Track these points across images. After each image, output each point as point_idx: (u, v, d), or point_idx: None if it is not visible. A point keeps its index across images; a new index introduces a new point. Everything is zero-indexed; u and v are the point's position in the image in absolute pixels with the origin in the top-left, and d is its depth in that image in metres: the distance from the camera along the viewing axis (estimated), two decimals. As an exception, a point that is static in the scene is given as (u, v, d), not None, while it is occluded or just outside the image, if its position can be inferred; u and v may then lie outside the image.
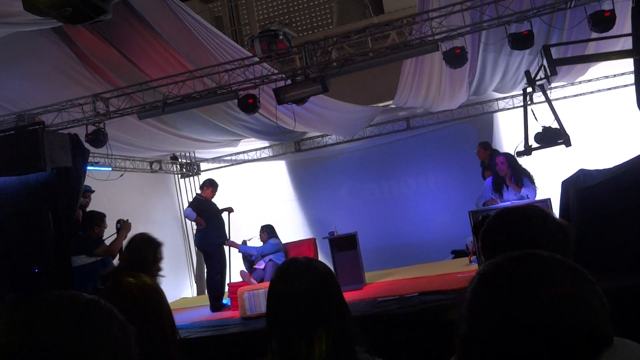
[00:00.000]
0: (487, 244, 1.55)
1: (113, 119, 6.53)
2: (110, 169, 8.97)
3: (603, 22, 5.29)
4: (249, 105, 6.07)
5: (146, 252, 3.74)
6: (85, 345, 0.88)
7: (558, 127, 5.46)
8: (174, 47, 6.17)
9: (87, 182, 7.04)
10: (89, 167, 8.14)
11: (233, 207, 8.66)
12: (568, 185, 6.50)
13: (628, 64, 7.37)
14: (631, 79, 6.67)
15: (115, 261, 5.88)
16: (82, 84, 6.56)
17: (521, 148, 5.77)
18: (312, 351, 1.74)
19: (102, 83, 6.60)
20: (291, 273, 1.84)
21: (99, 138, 6.39)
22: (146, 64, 6.43)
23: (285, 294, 1.82)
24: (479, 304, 0.94)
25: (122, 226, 5.75)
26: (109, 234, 6.11)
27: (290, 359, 1.75)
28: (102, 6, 2.81)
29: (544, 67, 5.15)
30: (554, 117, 5.50)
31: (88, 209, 6.75)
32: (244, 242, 8.01)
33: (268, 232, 7.94)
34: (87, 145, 6.57)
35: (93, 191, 6.83)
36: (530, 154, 5.76)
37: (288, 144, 10.88)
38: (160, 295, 2.02)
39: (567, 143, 5.40)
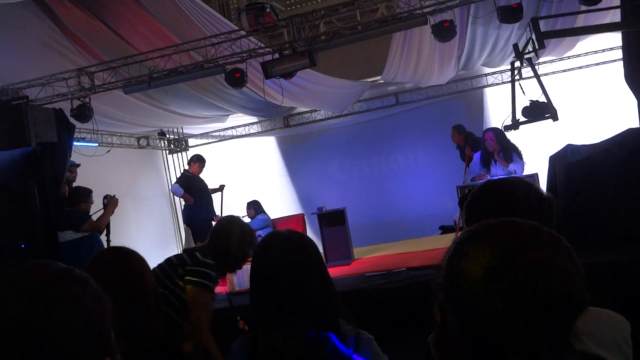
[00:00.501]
0: (471, 216, 1.54)
1: (98, 93, 6.44)
2: (97, 144, 8.88)
3: (592, -6, 5.25)
4: (236, 79, 6.01)
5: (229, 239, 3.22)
6: (55, 313, 0.86)
7: (545, 102, 5.45)
8: (160, 20, 6.07)
9: (74, 157, 6.97)
10: (75, 143, 8.05)
11: (225, 185, 8.64)
12: (555, 161, 6.52)
13: (616, 38, 7.35)
14: (619, 54, 6.65)
15: (103, 237, 5.86)
16: (66, 58, 6.44)
17: (509, 122, 5.77)
18: (297, 324, 1.74)
19: (86, 57, 6.49)
20: (273, 247, 1.84)
21: (84, 113, 6.31)
22: (132, 37, 6.32)
23: (267, 267, 1.81)
24: (456, 271, 0.93)
25: (109, 202, 5.72)
26: (96, 209, 6.07)
27: (274, 332, 1.75)
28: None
29: (532, 40, 5.12)
30: (541, 91, 5.49)
31: (75, 184, 6.70)
32: None
33: (255, 207, 7.95)
34: (72, 120, 6.49)
35: (78, 165, 6.77)
36: (518, 128, 5.76)
37: (277, 120, 10.81)
38: (143, 266, 2.01)
39: (554, 117, 5.40)
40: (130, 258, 2.04)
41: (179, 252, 3.38)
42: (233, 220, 3.38)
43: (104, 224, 5.63)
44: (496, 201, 1.50)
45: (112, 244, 6.19)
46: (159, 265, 3.17)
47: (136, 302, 1.88)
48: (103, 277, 1.87)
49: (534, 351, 0.84)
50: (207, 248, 3.21)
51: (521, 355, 0.84)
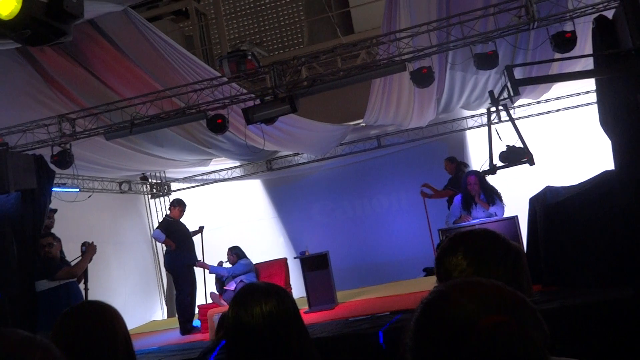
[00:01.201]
0: (439, 267, 1.55)
1: (80, 139, 6.44)
2: (78, 189, 8.82)
3: (565, 42, 5.42)
4: (218, 125, 6.05)
5: None
6: None
7: (522, 146, 5.55)
8: (142, 67, 6.13)
9: (54, 203, 6.91)
10: (55, 189, 8.00)
11: (204, 226, 8.58)
12: (535, 202, 6.60)
13: (591, 82, 7.54)
14: (594, 97, 6.82)
15: (81, 285, 5.76)
16: (47, 105, 6.46)
17: (486, 167, 5.85)
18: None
19: (67, 104, 6.51)
20: (249, 299, 1.82)
21: (64, 159, 6.29)
22: (114, 84, 6.37)
23: (243, 320, 1.79)
24: (422, 334, 0.93)
25: (87, 249, 5.64)
26: (74, 256, 5.98)
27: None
28: (63, 28, 2.77)
29: (507, 87, 5.25)
30: (517, 136, 5.60)
31: (53, 230, 6.61)
32: (220, 264, 7.92)
33: (237, 253, 7.88)
34: (52, 167, 6.45)
35: (55, 210, 6.69)
36: (495, 173, 5.84)
37: (259, 163, 10.85)
38: (114, 318, 1.98)
39: (531, 162, 5.49)
40: (101, 311, 2.01)
41: None
42: None
43: (80, 271, 5.53)
44: (464, 252, 1.51)
45: (92, 290, 6.10)
46: None
47: (106, 356, 1.85)
48: (73, 332, 1.85)
49: None
50: None
51: None
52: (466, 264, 1.46)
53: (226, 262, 7.97)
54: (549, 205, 6.23)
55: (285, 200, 10.88)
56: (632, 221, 5.18)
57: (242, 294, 1.86)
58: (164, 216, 8.16)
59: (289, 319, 1.78)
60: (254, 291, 1.84)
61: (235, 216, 10.81)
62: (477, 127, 9.84)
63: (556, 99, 9.41)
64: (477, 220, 6.18)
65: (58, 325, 1.86)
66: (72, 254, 6.15)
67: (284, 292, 1.86)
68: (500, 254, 1.49)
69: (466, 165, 8.23)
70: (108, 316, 1.95)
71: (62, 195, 8.10)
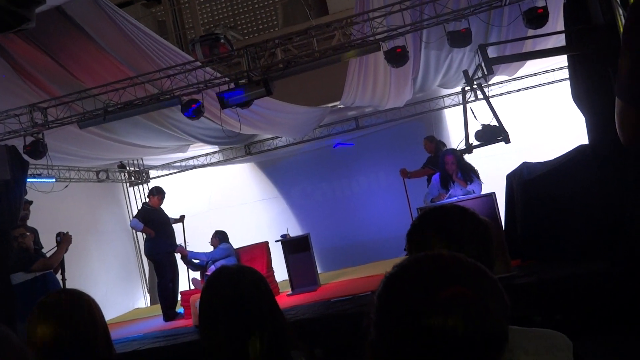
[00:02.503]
0: (412, 244, 1.56)
1: (52, 129, 6.33)
2: (54, 180, 8.70)
3: (537, 18, 5.44)
4: (193, 110, 5.99)
5: None
6: None
7: (497, 125, 5.59)
8: (113, 55, 6.03)
9: (30, 195, 6.80)
10: (30, 180, 7.87)
11: (185, 215, 8.54)
12: (512, 179, 6.67)
13: (566, 58, 7.59)
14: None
15: (58, 276, 5.70)
16: (17, 95, 6.33)
17: (463, 146, 5.89)
18: (246, 357, 1.72)
19: (39, 93, 6.39)
20: (221, 281, 1.82)
21: (37, 149, 6.19)
22: (85, 73, 6.25)
23: (216, 302, 1.79)
24: (384, 307, 0.94)
25: (63, 239, 5.57)
26: (49, 247, 5.91)
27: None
28: (24, 14, 2.70)
29: (481, 66, 5.26)
30: (492, 115, 5.63)
31: (29, 222, 6.52)
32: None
33: (220, 237, 7.87)
34: (25, 157, 6.35)
35: (31, 202, 6.59)
36: (472, 152, 5.88)
37: (238, 148, 10.79)
38: (92, 307, 1.96)
39: (506, 140, 5.54)
40: (78, 300, 1.99)
41: None
42: None
43: (56, 262, 5.47)
44: (434, 228, 1.52)
45: (72, 280, 6.03)
46: None
47: (86, 344, 1.84)
48: (51, 321, 1.83)
49: None
50: None
51: None
52: (436, 240, 1.47)
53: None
54: (525, 181, 6.30)
55: (265, 184, 10.85)
56: (606, 194, 5.27)
57: (213, 278, 1.85)
58: (142, 204, 8.07)
59: (261, 300, 1.78)
60: (225, 274, 1.84)
61: (216, 202, 10.77)
62: (454, 105, 9.87)
63: (531, 75, 9.47)
64: (455, 198, 6.23)
65: (35, 315, 1.84)
66: (50, 245, 6.08)
67: (256, 275, 1.86)
68: (469, 228, 1.50)
69: (444, 144, 8.26)
70: (85, 304, 1.93)
71: (38, 186, 7.98)
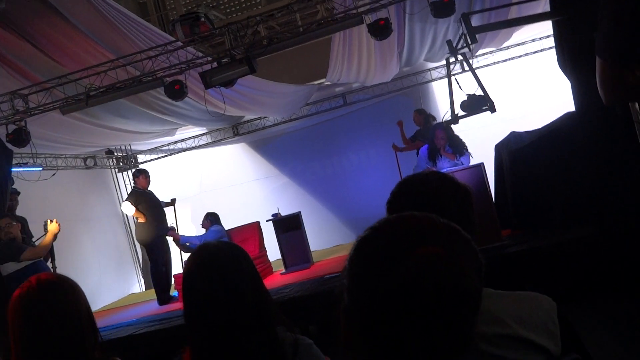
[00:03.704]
0: (391, 213, 1.53)
1: (34, 116, 6.24)
2: (40, 168, 8.60)
3: (520, -16, 5.38)
4: (176, 91, 5.92)
5: None
6: None
7: (482, 94, 5.56)
8: (92, 38, 5.92)
9: (17, 184, 6.73)
10: (17, 169, 7.79)
11: (175, 198, 8.49)
12: (501, 149, 6.66)
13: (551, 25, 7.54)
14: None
15: (48, 264, 5.67)
16: (-3, 81, 6.23)
17: (448, 117, 5.86)
18: (232, 335, 1.70)
19: (19, 79, 6.28)
20: (203, 259, 1.80)
21: (20, 137, 6.11)
22: (65, 56, 6.14)
23: (198, 280, 1.77)
24: (356, 270, 0.92)
25: (49, 227, 5.52)
26: (38, 236, 5.86)
27: (210, 346, 1.71)
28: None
29: (465, 35, 5.21)
30: (477, 85, 5.59)
31: (18, 212, 6.47)
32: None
33: (211, 219, 7.85)
34: (9, 146, 6.27)
35: (18, 193, 6.52)
36: (457, 123, 5.86)
37: (226, 130, 10.72)
38: (76, 292, 1.94)
39: (492, 109, 5.51)
40: (61, 285, 1.96)
41: None
42: None
43: (45, 250, 5.43)
44: (413, 194, 1.50)
45: (64, 268, 6.00)
46: None
47: (69, 330, 1.81)
48: (33, 306, 1.81)
49: (433, 346, 0.83)
50: None
51: (420, 351, 0.82)
52: (415, 206, 1.44)
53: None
54: (513, 150, 6.30)
55: (256, 164, 10.81)
56: (593, 160, 5.27)
57: (195, 255, 1.83)
58: (132, 188, 8.00)
59: (243, 276, 1.76)
60: (207, 252, 1.82)
61: (207, 184, 10.73)
62: (441, 78, 9.82)
63: (517, 45, 9.43)
64: (444, 170, 6.23)
65: (17, 301, 1.82)
66: (40, 234, 6.03)
67: (236, 250, 1.84)
68: (449, 193, 1.48)
69: (434, 118, 8.23)
70: (68, 288, 1.91)
71: (25, 175, 7.90)
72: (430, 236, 0.89)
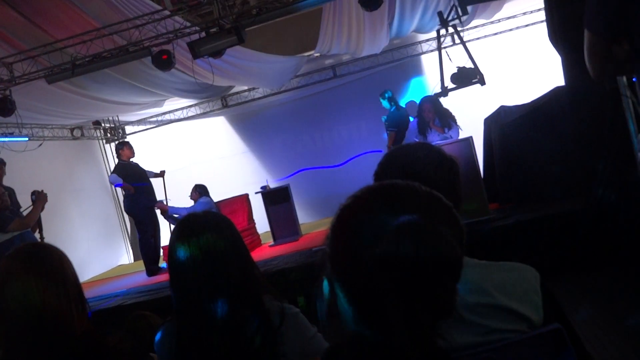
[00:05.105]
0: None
1: (19, 85, 6.14)
2: (27, 138, 8.52)
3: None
4: (164, 61, 5.84)
5: None
6: None
7: (472, 67, 5.53)
8: (78, 5, 5.80)
9: (3, 154, 6.65)
10: (2, 139, 7.71)
11: (165, 170, 8.44)
12: (490, 122, 6.67)
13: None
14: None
15: (36, 235, 5.64)
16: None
17: (438, 90, 5.84)
18: (216, 304, 1.71)
19: (2, 47, 6.16)
20: (188, 229, 1.79)
21: (6, 106, 6.03)
22: (49, 25, 6.01)
23: (182, 250, 1.77)
24: (337, 238, 0.92)
25: (37, 197, 5.48)
26: (25, 206, 5.82)
27: (194, 313, 1.72)
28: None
29: (456, 7, 5.16)
30: (467, 57, 5.57)
31: (4, 183, 6.40)
32: None
33: (200, 191, 7.83)
34: (-6, 116, 6.19)
35: (4, 163, 6.46)
36: (447, 95, 5.85)
37: (215, 101, 10.63)
38: (62, 260, 1.92)
39: (482, 82, 5.50)
40: (48, 254, 1.94)
41: None
42: None
43: (32, 221, 5.40)
44: (400, 164, 1.50)
45: (53, 239, 5.96)
46: None
47: (56, 300, 1.80)
48: (19, 274, 1.79)
49: (414, 314, 0.83)
50: None
51: (402, 319, 0.83)
52: (402, 176, 1.44)
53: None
54: (503, 124, 6.31)
55: (245, 136, 10.76)
56: (582, 134, 5.29)
57: (180, 225, 1.82)
58: (117, 161, 7.94)
59: (227, 245, 1.76)
60: (191, 222, 1.81)
61: (196, 156, 10.69)
62: (432, 51, 9.78)
63: (508, 18, 9.37)
64: (433, 144, 6.23)
65: (2, 270, 1.79)
66: (26, 205, 5.99)
67: (224, 223, 1.84)
68: (435, 163, 1.48)
69: (395, 100, 8.18)
70: (54, 255, 1.89)
71: (11, 146, 7.83)
72: (411, 204, 0.89)
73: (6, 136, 7.97)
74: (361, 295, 0.86)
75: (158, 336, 1.86)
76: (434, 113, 6.49)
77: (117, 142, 8.06)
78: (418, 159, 1.49)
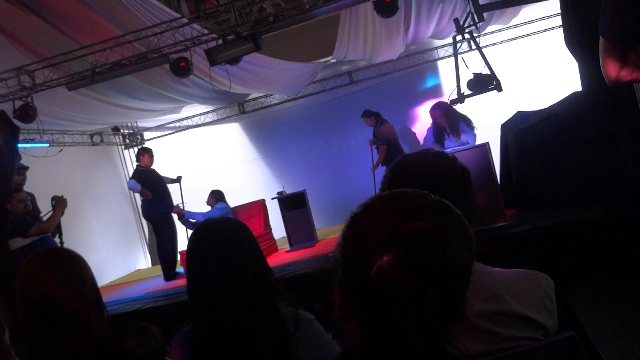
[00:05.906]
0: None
1: (41, 92, 6.25)
2: (47, 144, 8.66)
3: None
4: (182, 68, 5.90)
5: None
6: None
7: (489, 73, 5.51)
8: (98, 12, 5.89)
9: (24, 160, 6.76)
10: (24, 145, 7.83)
11: (181, 176, 8.52)
12: (507, 128, 6.63)
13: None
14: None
15: (55, 239, 5.72)
16: (4, 57, 6.22)
17: (455, 96, 5.83)
18: (232, 310, 1.73)
19: (25, 54, 6.27)
20: (204, 234, 1.82)
21: (27, 113, 6.13)
22: (72, 30, 6.11)
23: (199, 255, 1.80)
24: (348, 245, 0.94)
25: (57, 202, 5.57)
26: (46, 212, 5.92)
27: (211, 320, 1.74)
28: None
29: (472, 13, 5.15)
30: (484, 63, 5.54)
31: (25, 188, 6.51)
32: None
33: (216, 196, 7.89)
34: (16, 122, 6.29)
35: (27, 168, 6.57)
36: (464, 102, 5.82)
37: (232, 107, 10.71)
38: (81, 265, 1.95)
39: (498, 88, 5.47)
40: (67, 258, 1.98)
41: None
42: None
43: (52, 226, 5.48)
44: (408, 173, 1.51)
45: (72, 245, 6.03)
46: None
47: (74, 303, 1.83)
48: (38, 279, 1.83)
49: (423, 320, 0.84)
50: None
51: (411, 325, 0.84)
52: (410, 183, 1.45)
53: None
54: (520, 130, 6.27)
55: (261, 142, 10.82)
56: (599, 141, 5.24)
57: (198, 231, 1.85)
58: (136, 167, 8.03)
59: (242, 250, 1.78)
60: (209, 228, 1.84)
61: (213, 161, 10.76)
62: (448, 56, 9.74)
63: (525, 23, 9.32)
64: (450, 150, 6.21)
65: (23, 272, 1.83)
66: (46, 210, 6.08)
67: (237, 224, 1.86)
68: (445, 172, 1.49)
69: (380, 115, 8.22)
70: (73, 260, 1.92)
71: (32, 151, 7.95)
72: (421, 212, 0.91)
73: (27, 142, 8.11)
74: (371, 302, 0.88)
75: (176, 338, 1.88)
76: (444, 118, 6.47)
77: (139, 147, 8.14)
78: (427, 168, 1.49)
